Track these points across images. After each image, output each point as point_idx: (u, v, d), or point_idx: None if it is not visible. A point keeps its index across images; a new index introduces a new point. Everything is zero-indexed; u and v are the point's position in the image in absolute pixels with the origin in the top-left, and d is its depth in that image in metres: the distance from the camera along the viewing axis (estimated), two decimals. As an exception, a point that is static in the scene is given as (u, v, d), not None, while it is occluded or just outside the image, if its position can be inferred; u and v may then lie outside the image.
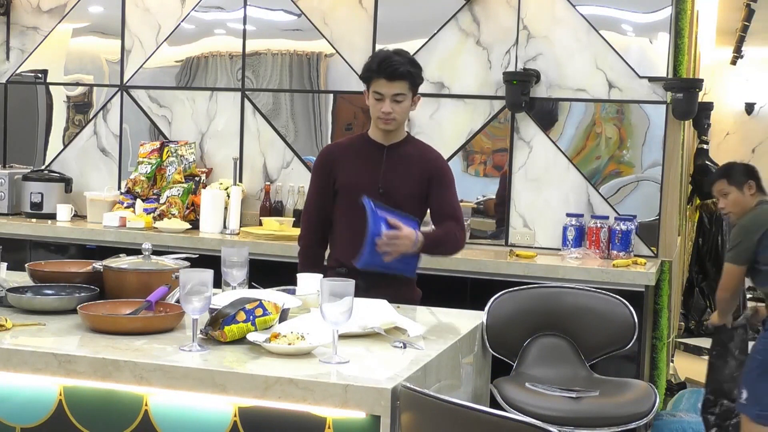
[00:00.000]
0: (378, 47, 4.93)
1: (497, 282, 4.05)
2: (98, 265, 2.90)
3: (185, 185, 5.07)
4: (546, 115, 4.72)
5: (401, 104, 3.29)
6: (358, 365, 2.29)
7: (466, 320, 2.98)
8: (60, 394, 2.37)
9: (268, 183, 5.13)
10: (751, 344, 4.29)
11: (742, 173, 4.39)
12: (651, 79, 4.58)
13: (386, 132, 3.34)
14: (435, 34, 4.89)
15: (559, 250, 4.59)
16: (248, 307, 2.44)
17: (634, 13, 4.64)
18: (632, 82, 4.61)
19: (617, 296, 3.26)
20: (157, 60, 5.39)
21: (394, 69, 3.25)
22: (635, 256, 4.45)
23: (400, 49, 3.39)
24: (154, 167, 5.17)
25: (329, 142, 5.08)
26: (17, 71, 5.71)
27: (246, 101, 5.23)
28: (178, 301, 2.51)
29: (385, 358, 2.38)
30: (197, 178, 5.16)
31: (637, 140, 4.63)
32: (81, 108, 5.59)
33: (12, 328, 2.51)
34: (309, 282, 2.97)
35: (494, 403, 2.91)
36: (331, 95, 5.10)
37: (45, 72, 5.66)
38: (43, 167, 5.60)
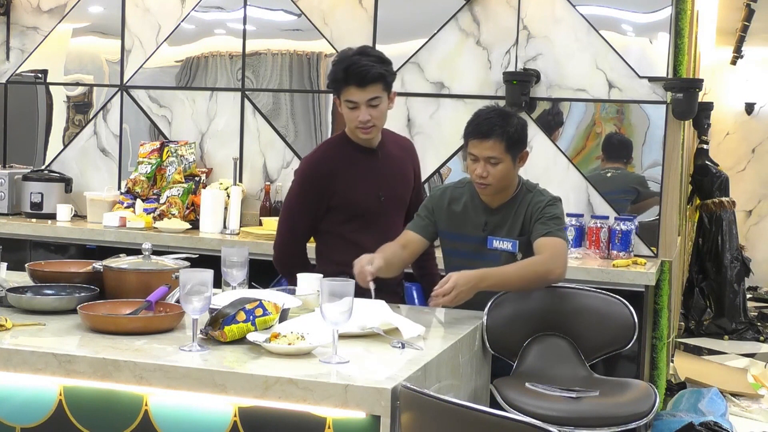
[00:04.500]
0: (378, 47, 4.92)
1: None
2: (98, 265, 2.90)
3: (185, 185, 5.07)
4: (553, 117, 4.72)
5: (378, 108, 3.10)
6: (358, 365, 2.29)
7: (466, 320, 2.98)
8: (60, 394, 2.38)
9: (268, 183, 5.13)
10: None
11: None
12: (651, 79, 4.58)
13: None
14: (435, 34, 4.89)
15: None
16: (248, 307, 2.44)
17: (634, 13, 4.64)
18: (632, 82, 4.61)
19: (617, 296, 3.25)
20: (157, 60, 5.39)
21: (364, 74, 3.03)
22: (635, 256, 4.45)
23: (365, 47, 3.18)
24: (154, 167, 5.17)
25: (329, 142, 5.08)
26: (17, 71, 5.71)
27: (246, 101, 5.23)
28: (178, 301, 2.51)
29: (385, 358, 2.38)
30: (197, 178, 5.16)
31: (637, 140, 4.63)
32: (81, 108, 5.59)
33: (12, 328, 2.51)
34: (309, 282, 2.97)
35: (494, 403, 2.91)
36: (331, 95, 5.08)
37: (45, 72, 5.66)
38: (43, 167, 5.59)
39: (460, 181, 3.32)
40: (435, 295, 2.96)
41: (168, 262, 2.93)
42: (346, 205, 3.20)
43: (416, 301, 3.41)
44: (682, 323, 7.54)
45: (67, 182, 5.41)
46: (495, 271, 3.04)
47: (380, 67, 3.07)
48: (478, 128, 3.10)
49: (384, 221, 3.29)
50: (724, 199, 7.56)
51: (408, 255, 3.20)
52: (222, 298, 2.62)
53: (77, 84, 5.59)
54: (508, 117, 3.14)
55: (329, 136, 5.10)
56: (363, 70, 3.02)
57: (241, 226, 4.95)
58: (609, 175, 4.68)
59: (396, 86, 3.46)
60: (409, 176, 3.41)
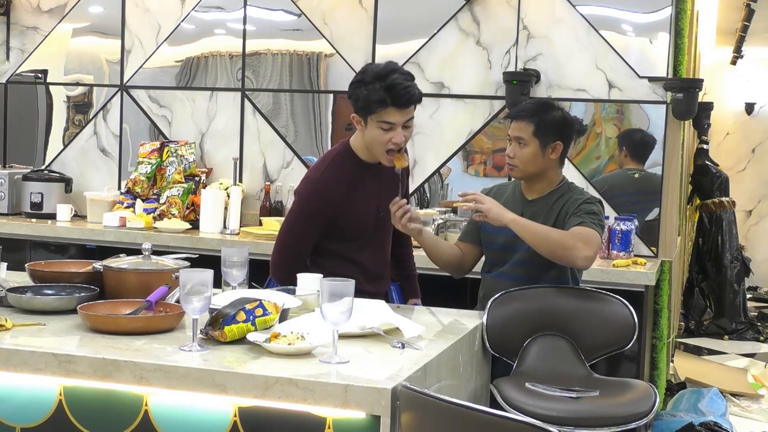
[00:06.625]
0: (378, 47, 4.94)
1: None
2: (98, 265, 2.90)
3: (185, 185, 5.07)
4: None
5: (410, 129, 3.01)
6: (358, 365, 2.28)
7: (466, 320, 2.98)
8: (60, 394, 2.38)
9: (268, 183, 5.13)
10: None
11: None
12: (651, 79, 4.58)
13: None
14: (435, 34, 4.89)
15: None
16: (248, 307, 2.44)
17: (634, 13, 4.64)
18: (632, 82, 4.61)
19: (617, 296, 3.25)
20: (157, 60, 5.39)
21: (410, 96, 2.90)
22: (635, 256, 4.45)
23: (393, 63, 3.03)
24: (154, 167, 5.17)
25: (329, 142, 5.08)
26: (17, 71, 5.72)
27: (246, 101, 5.23)
28: (178, 301, 2.51)
29: (385, 359, 2.38)
30: (197, 178, 5.16)
31: (637, 140, 4.64)
32: (81, 108, 5.59)
33: (12, 328, 2.51)
34: (309, 282, 2.97)
35: (494, 403, 2.91)
36: (331, 95, 5.10)
37: (45, 72, 5.66)
38: (43, 167, 5.60)
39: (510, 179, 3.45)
40: (468, 194, 3.12)
41: (168, 262, 2.93)
42: (349, 227, 3.14)
43: (395, 301, 3.41)
44: (682, 323, 7.54)
45: (67, 182, 5.41)
46: (522, 219, 3.13)
47: (417, 87, 2.97)
48: (515, 110, 3.36)
49: (380, 237, 3.24)
50: (724, 199, 7.56)
51: (465, 259, 3.36)
52: (222, 298, 2.62)
53: (77, 84, 5.59)
54: (546, 106, 3.32)
55: (329, 135, 5.11)
56: (408, 92, 2.91)
57: (241, 226, 4.95)
58: (636, 176, 4.67)
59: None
60: (402, 181, 3.31)
